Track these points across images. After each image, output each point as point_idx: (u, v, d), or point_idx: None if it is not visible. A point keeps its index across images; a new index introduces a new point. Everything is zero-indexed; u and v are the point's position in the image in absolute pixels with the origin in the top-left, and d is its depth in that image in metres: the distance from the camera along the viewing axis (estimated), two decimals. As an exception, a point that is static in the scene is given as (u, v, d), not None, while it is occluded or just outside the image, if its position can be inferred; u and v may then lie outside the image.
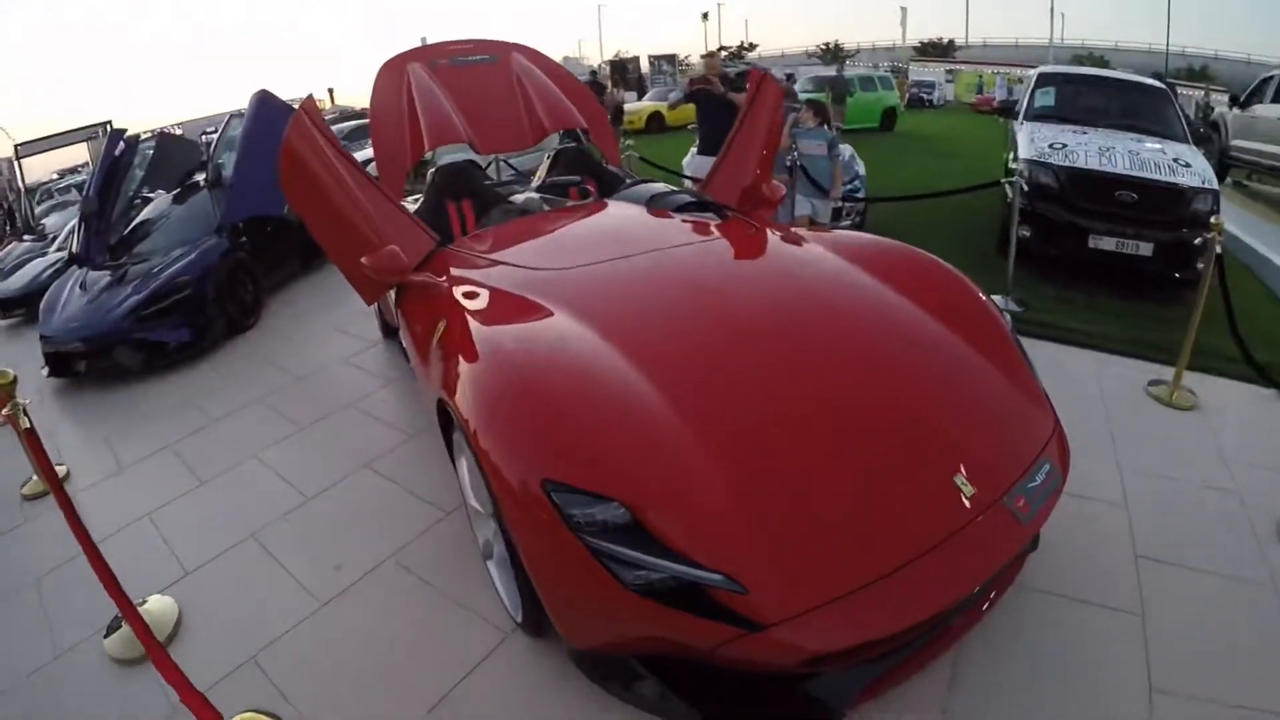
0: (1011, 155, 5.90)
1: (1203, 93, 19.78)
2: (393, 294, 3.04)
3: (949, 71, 31.46)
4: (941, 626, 1.69)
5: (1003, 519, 1.63)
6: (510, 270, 2.59)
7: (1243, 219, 6.94)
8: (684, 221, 3.04)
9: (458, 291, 2.51)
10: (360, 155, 9.01)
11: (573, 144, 4.74)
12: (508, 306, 2.31)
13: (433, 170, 4.13)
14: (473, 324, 2.21)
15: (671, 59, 32.27)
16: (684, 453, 1.59)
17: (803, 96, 8.35)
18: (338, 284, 5.85)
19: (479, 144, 4.18)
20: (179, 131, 10.74)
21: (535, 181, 4.91)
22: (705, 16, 59.92)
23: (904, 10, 35.95)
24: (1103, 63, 36.07)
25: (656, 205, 3.28)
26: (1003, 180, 4.92)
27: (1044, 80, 6.28)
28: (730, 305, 2.25)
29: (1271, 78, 8.03)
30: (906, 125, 16.75)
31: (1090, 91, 6.20)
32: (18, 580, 2.66)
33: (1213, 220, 3.37)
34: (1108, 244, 4.76)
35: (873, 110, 15.65)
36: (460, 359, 2.03)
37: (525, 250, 2.81)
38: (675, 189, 3.76)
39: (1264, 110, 7.92)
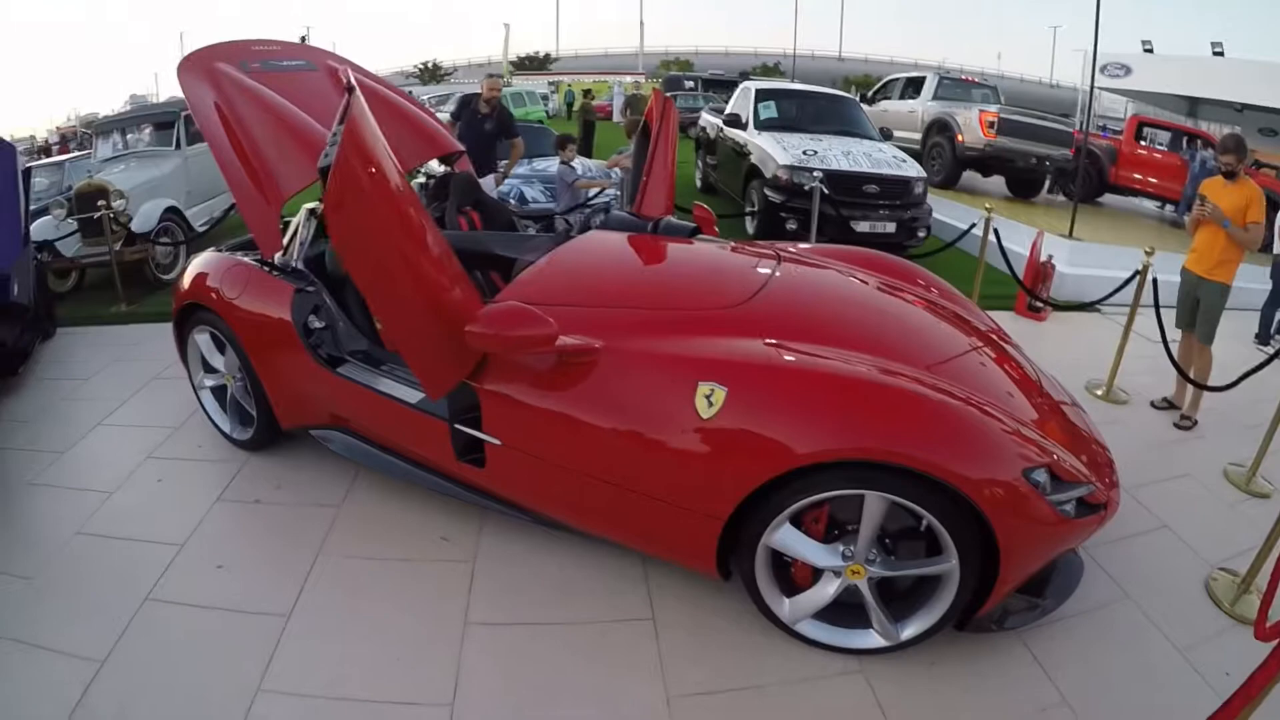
0: (747, 159, 7.12)
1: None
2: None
3: (551, 83, 33.63)
4: None
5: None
6: (673, 314, 2.39)
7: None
8: (726, 249, 3.18)
9: (702, 345, 2.20)
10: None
11: (453, 170, 4.22)
12: (776, 349, 2.20)
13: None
14: (799, 365, 2.12)
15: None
16: (1006, 420, 2.11)
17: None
18: (45, 395, 3.95)
19: None
20: None
21: None
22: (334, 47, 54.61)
23: (507, 27, 37.15)
24: (688, 66, 43.15)
25: (667, 232, 3.21)
26: (766, 187, 6.15)
27: (763, 95, 7.66)
28: (871, 311, 2.71)
29: (897, 79, 11.15)
30: (550, 133, 18.25)
31: (801, 104, 7.79)
32: None
33: (986, 207, 4.79)
34: (864, 226, 6.20)
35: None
36: (846, 408, 1.99)
37: (637, 292, 2.62)
38: (636, 216, 3.63)
39: (892, 105, 10.95)
